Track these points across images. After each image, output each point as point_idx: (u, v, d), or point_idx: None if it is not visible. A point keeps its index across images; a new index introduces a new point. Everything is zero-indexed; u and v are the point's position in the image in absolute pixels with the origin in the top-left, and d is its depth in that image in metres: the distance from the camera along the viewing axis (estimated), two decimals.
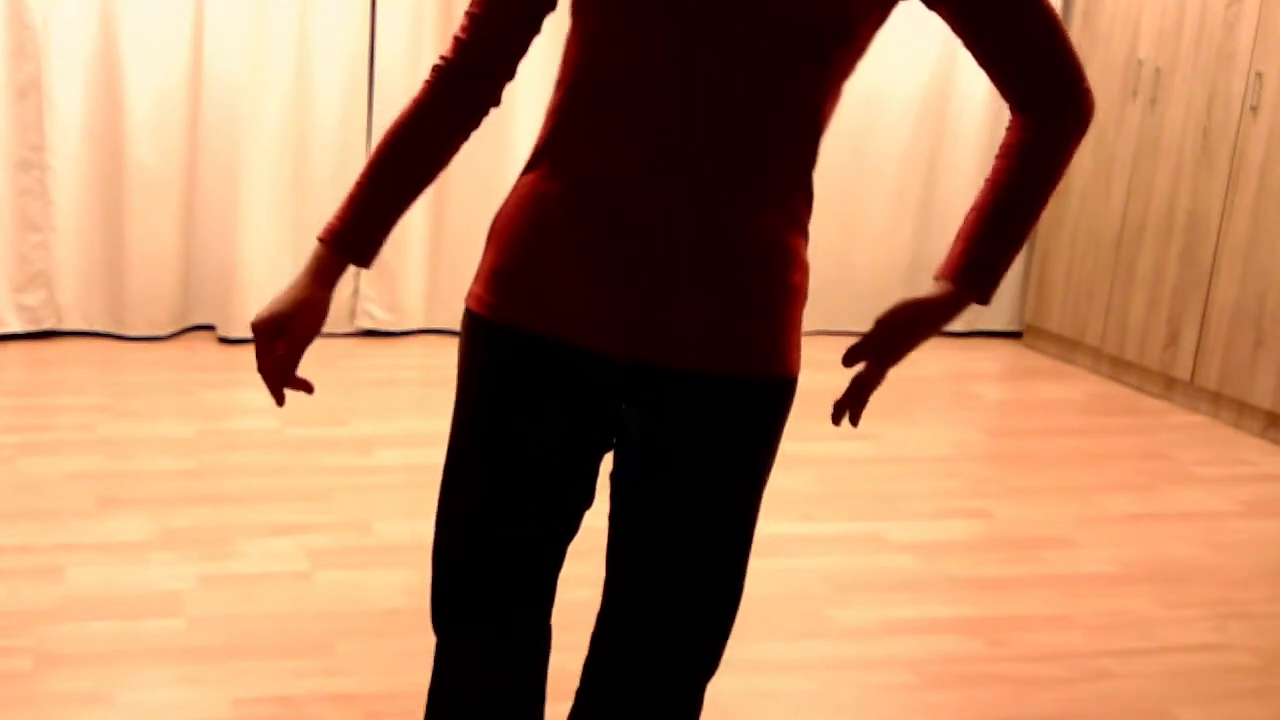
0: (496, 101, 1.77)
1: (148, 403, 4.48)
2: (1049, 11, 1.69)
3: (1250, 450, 4.77)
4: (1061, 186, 5.72)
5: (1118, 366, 5.50)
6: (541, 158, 1.69)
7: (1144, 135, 5.33)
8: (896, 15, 5.69)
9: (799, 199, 1.67)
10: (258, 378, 4.86)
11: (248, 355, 5.11)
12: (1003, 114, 5.91)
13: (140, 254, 5.14)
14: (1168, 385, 5.27)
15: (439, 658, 1.86)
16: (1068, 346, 5.74)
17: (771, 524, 3.85)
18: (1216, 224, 5.02)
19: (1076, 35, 5.64)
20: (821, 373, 5.38)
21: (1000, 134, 5.93)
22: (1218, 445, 4.80)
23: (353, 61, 5.23)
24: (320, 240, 1.74)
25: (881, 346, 1.74)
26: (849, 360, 1.74)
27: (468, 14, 1.74)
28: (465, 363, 1.74)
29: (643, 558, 1.73)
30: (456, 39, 1.74)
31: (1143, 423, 5.02)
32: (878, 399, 5.08)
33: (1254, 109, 4.86)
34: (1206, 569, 3.76)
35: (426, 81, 1.75)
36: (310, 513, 3.71)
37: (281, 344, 1.74)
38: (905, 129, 5.83)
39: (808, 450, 4.48)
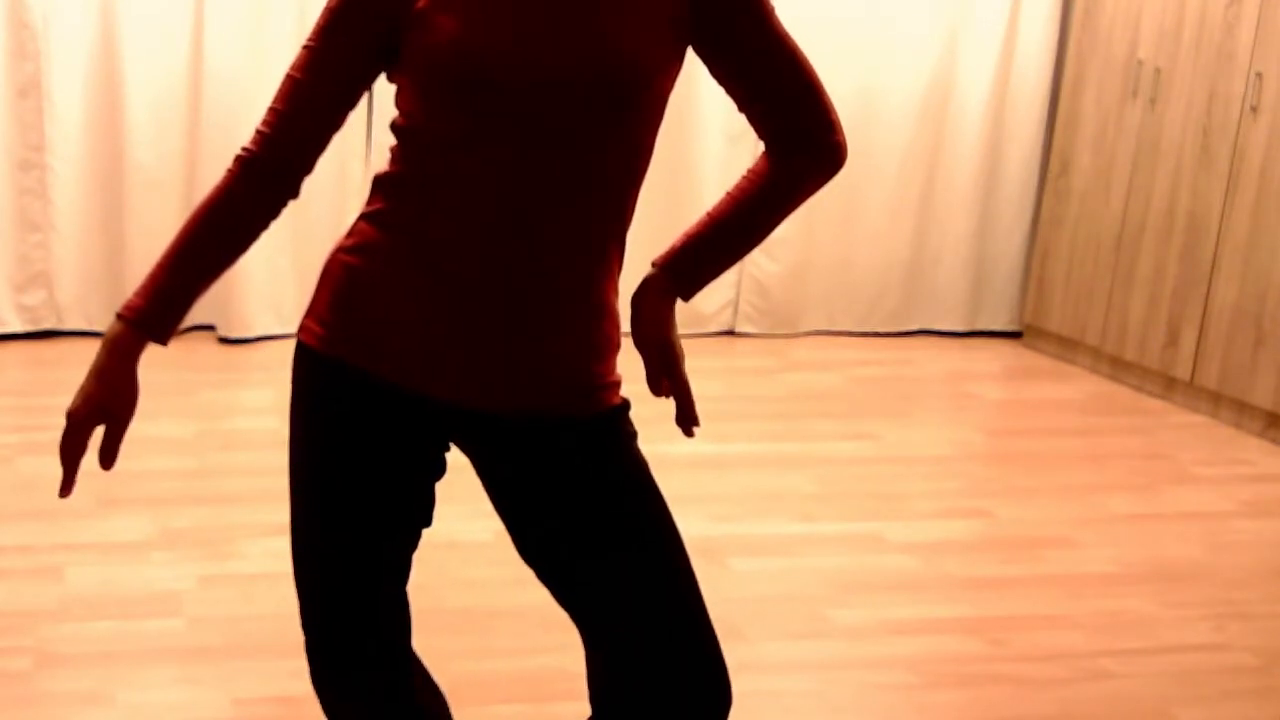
0: (296, 194, 1.80)
1: (148, 403, 4.48)
2: (803, 65, 1.79)
3: (1250, 450, 4.77)
4: (1062, 186, 5.72)
5: (1118, 366, 5.50)
6: (383, 211, 1.76)
7: (1144, 135, 5.33)
8: (896, 15, 5.68)
9: (617, 255, 1.79)
10: (258, 377, 4.86)
11: (248, 355, 5.11)
12: (1003, 114, 5.90)
13: (140, 254, 5.14)
14: (1168, 385, 5.27)
15: (329, 692, 1.94)
16: (1068, 346, 5.74)
17: (771, 524, 3.85)
18: (1216, 224, 5.02)
19: (1077, 35, 5.64)
20: (822, 372, 5.38)
21: (1001, 134, 5.92)
22: (1218, 445, 4.81)
23: None
24: (120, 317, 1.75)
25: (654, 357, 1.84)
26: (657, 388, 1.86)
27: (272, 109, 1.76)
28: (299, 394, 1.82)
29: (604, 592, 1.79)
30: (260, 133, 1.76)
31: (1143, 423, 5.02)
32: (878, 399, 5.08)
33: (1254, 109, 4.86)
34: (1206, 569, 3.76)
35: (230, 172, 1.77)
36: None
37: (95, 432, 1.81)
38: (905, 129, 5.82)
39: (808, 450, 4.48)
